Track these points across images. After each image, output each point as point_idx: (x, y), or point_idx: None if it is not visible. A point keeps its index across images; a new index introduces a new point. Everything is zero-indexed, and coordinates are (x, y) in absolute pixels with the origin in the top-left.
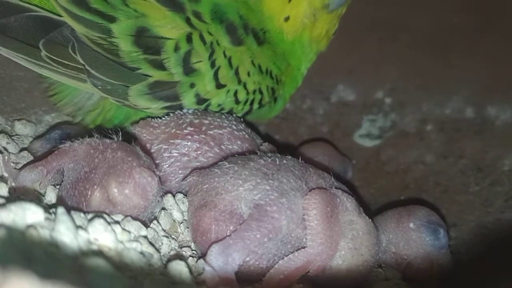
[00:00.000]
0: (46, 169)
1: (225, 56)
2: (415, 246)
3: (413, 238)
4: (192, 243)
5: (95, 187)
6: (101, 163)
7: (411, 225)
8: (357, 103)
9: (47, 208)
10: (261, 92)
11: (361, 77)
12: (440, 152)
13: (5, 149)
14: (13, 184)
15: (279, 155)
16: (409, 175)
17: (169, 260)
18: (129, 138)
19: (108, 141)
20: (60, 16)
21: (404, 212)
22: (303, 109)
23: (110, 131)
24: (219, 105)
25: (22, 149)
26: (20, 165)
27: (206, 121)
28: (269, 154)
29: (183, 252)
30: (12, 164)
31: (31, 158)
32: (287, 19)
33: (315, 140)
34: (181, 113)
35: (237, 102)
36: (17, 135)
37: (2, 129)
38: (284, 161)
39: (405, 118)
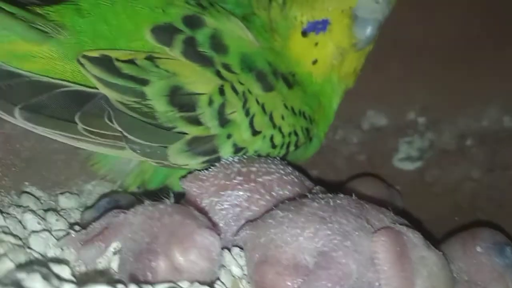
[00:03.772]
0: (104, 245)
1: (258, 103)
2: (488, 270)
3: (483, 262)
4: None
5: (159, 257)
6: (161, 231)
7: (478, 248)
8: (390, 127)
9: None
10: (296, 134)
11: (390, 100)
12: (485, 165)
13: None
14: (77, 263)
15: (331, 195)
16: (458, 194)
17: None
18: (179, 195)
19: (162, 206)
20: (93, 87)
21: (467, 237)
22: (336, 141)
23: (160, 193)
24: (255, 152)
25: (71, 224)
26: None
27: (254, 169)
28: (321, 195)
29: None
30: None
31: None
32: (315, 62)
33: (358, 175)
34: (228, 162)
35: (273, 146)
36: (63, 209)
37: (48, 206)
38: (338, 201)
39: (442, 135)
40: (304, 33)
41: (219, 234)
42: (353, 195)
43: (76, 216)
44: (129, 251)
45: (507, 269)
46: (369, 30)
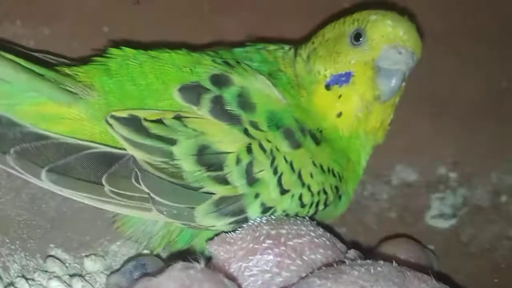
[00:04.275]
0: None
1: (286, 161)
2: None
3: None
4: None
5: None
6: None
7: None
8: (421, 182)
9: None
10: (325, 192)
11: (419, 154)
12: None
13: None
14: None
15: (370, 262)
16: (496, 254)
17: None
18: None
19: (192, 272)
20: (120, 148)
21: None
22: (365, 197)
23: (188, 256)
24: (284, 211)
25: None
26: None
27: (284, 231)
28: (360, 262)
29: None
30: None
31: None
32: (339, 115)
33: (391, 236)
34: (256, 223)
35: (302, 205)
36: (88, 274)
37: (74, 271)
38: (379, 268)
39: (475, 191)
40: (328, 86)
41: None
42: (394, 262)
43: (101, 280)
44: None
45: None
46: (393, 82)
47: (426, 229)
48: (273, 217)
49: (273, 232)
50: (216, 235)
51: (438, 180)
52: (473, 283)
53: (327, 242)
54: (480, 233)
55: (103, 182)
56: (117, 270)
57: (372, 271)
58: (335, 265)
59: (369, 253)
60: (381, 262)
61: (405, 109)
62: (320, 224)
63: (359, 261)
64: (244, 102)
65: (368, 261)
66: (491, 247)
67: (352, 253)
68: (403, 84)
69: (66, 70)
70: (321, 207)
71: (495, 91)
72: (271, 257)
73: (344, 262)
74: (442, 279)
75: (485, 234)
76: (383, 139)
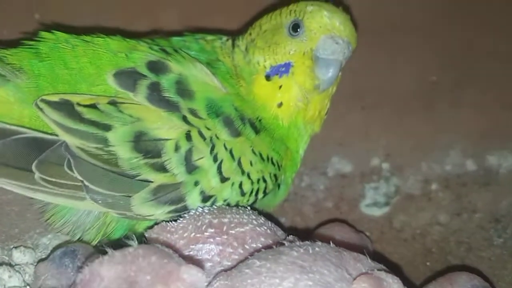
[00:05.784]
0: None
1: (226, 148)
2: None
3: None
4: None
5: None
6: (139, 275)
7: None
8: (356, 173)
9: None
10: (265, 180)
11: (353, 146)
12: (452, 210)
13: None
14: None
15: (309, 243)
16: (428, 239)
17: None
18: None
19: (131, 250)
20: (52, 133)
21: (445, 283)
22: (303, 188)
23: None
24: (225, 200)
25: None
26: None
27: (226, 220)
28: (298, 243)
29: None
30: None
31: None
32: (280, 105)
33: (327, 222)
34: (198, 213)
35: (242, 194)
36: (17, 264)
37: (1, 261)
38: (317, 249)
39: (407, 181)
40: (268, 77)
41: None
42: (331, 243)
43: (31, 272)
44: None
45: None
46: (331, 71)
47: (361, 217)
48: (215, 206)
49: (215, 221)
50: (156, 225)
51: (371, 171)
52: (406, 266)
53: (268, 231)
54: (412, 219)
55: (33, 169)
56: (45, 258)
57: (310, 251)
58: (274, 247)
59: (306, 237)
60: (319, 243)
61: (339, 103)
62: (261, 213)
63: (297, 242)
64: (183, 89)
65: (307, 242)
66: (423, 233)
67: (291, 238)
68: (340, 74)
69: None
70: (260, 195)
71: (425, 85)
72: (213, 246)
73: (283, 244)
74: (376, 259)
75: (416, 221)
76: (320, 128)
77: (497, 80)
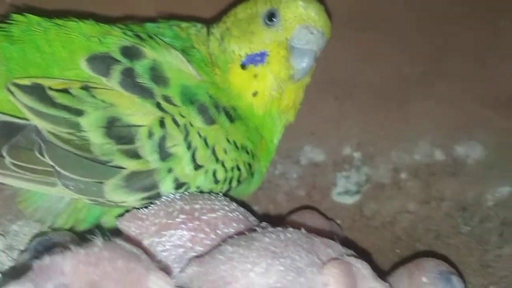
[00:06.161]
0: None
1: (200, 136)
2: None
3: None
4: None
5: None
6: (104, 280)
7: (424, 279)
8: (328, 162)
9: None
10: (239, 169)
11: (325, 136)
12: (420, 198)
13: None
14: None
15: (281, 229)
16: (397, 226)
17: None
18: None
19: (96, 249)
20: (22, 117)
21: (413, 268)
22: (276, 176)
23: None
24: (198, 188)
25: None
26: None
27: (198, 206)
28: (270, 229)
29: None
30: None
31: None
32: (255, 94)
33: (298, 209)
34: (169, 199)
35: (216, 182)
36: None
37: None
38: (289, 235)
39: (378, 170)
40: (243, 66)
41: (170, 275)
42: (302, 229)
43: (2, 259)
44: None
45: None
46: (305, 61)
47: (333, 205)
48: (186, 193)
49: (187, 207)
50: (127, 211)
51: (343, 160)
52: (375, 253)
53: (240, 217)
54: (382, 207)
55: (4, 153)
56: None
57: (282, 237)
58: (247, 233)
59: (279, 224)
60: (291, 229)
61: (312, 93)
62: (233, 199)
63: (269, 229)
64: (157, 75)
65: (279, 228)
66: (392, 221)
67: (263, 224)
68: (314, 64)
69: None
70: (234, 183)
71: (396, 76)
72: (184, 232)
73: (255, 230)
74: (347, 245)
75: (386, 209)
76: (294, 118)
77: (466, 73)
